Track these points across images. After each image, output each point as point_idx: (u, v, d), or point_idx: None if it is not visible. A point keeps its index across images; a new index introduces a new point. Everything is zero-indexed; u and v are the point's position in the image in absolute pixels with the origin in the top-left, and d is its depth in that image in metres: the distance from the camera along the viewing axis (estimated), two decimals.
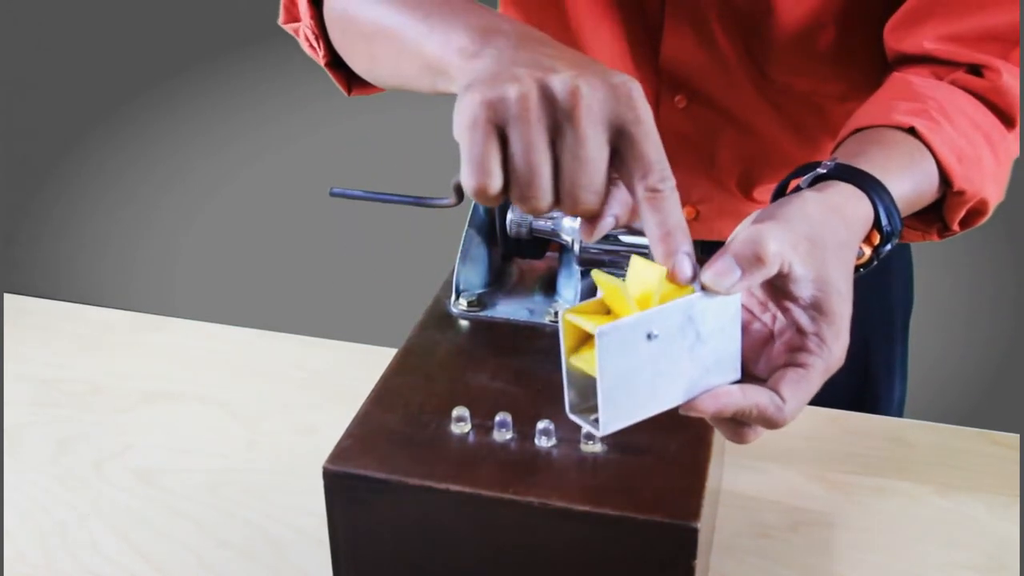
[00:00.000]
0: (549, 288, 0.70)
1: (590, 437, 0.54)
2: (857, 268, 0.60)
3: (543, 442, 0.55)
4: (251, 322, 0.98)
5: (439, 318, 0.67)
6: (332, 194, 0.70)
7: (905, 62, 0.74)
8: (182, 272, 2.37)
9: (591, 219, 0.49)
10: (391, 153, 2.31)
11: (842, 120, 0.71)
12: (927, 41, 0.72)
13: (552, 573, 0.53)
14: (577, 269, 0.66)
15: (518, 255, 0.70)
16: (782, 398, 0.50)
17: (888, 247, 0.60)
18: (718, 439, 0.59)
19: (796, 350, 0.51)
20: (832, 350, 0.52)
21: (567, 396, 0.48)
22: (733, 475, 0.76)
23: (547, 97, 0.47)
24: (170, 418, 0.85)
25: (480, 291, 0.69)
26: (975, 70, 0.71)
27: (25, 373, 0.91)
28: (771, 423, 0.50)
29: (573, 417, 0.48)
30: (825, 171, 0.60)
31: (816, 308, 0.51)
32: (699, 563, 0.51)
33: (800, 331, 0.52)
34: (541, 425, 0.55)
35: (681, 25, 0.82)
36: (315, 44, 0.76)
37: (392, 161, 2.24)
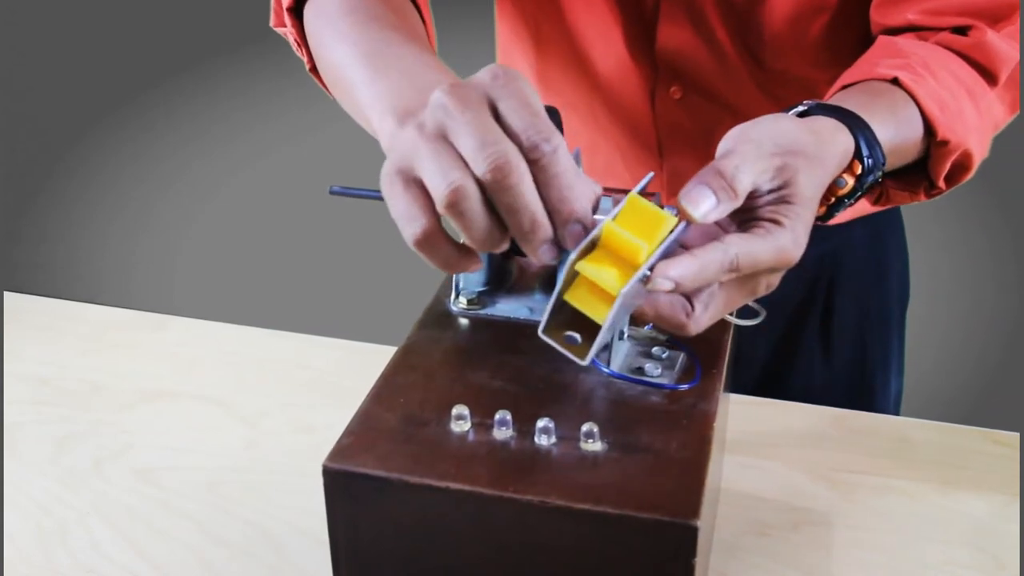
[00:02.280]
0: (549, 286, 0.70)
1: (590, 435, 0.54)
2: (841, 199, 0.62)
3: (543, 440, 0.55)
4: (251, 321, 0.98)
5: (439, 316, 0.67)
6: (332, 192, 0.70)
7: (890, 34, 0.76)
8: (182, 271, 2.37)
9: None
10: None
11: None
12: (911, 14, 0.74)
13: (552, 572, 0.53)
14: None
15: (518, 253, 0.70)
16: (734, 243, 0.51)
17: (872, 179, 0.62)
18: (718, 438, 0.59)
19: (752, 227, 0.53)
20: (784, 232, 0.52)
21: (545, 318, 0.51)
22: (734, 474, 0.76)
23: (431, 125, 0.48)
24: (170, 417, 0.85)
25: (480, 289, 0.69)
26: (959, 31, 0.73)
27: (25, 372, 0.91)
28: (728, 262, 0.50)
29: (544, 337, 0.51)
30: (805, 108, 0.62)
31: (779, 201, 0.53)
32: (699, 562, 0.51)
33: (760, 218, 0.53)
34: (541, 423, 0.55)
35: (677, 14, 0.82)
36: (299, 51, 0.77)
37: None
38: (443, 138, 0.48)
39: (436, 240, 0.49)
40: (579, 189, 0.48)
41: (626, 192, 0.53)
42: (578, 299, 0.50)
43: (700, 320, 0.52)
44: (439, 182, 0.47)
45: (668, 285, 0.49)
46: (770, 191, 0.53)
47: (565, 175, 0.48)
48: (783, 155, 0.53)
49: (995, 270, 2.09)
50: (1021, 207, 1.98)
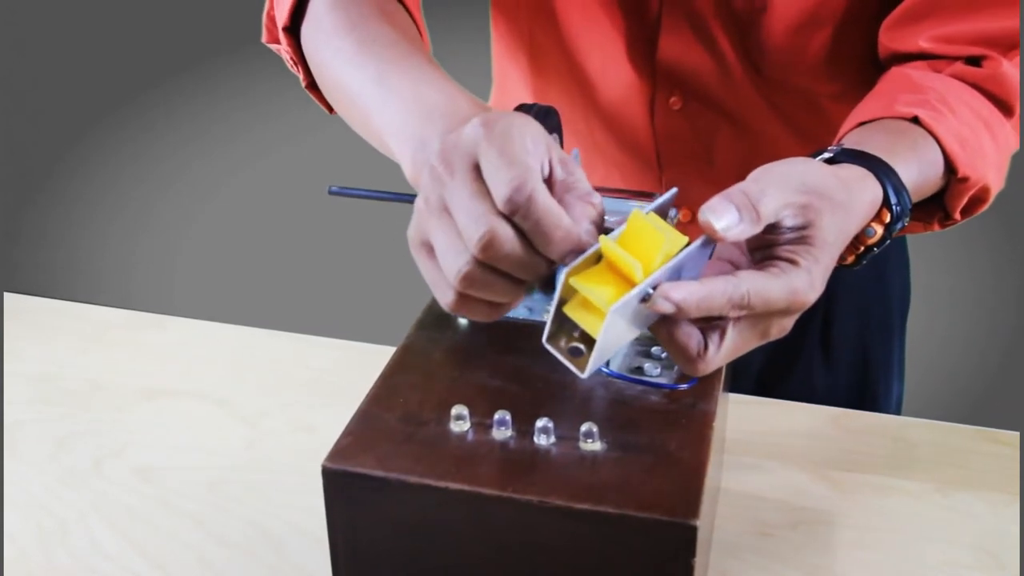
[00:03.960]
0: (548, 286, 0.70)
1: (589, 435, 0.54)
2: (870, 247, 0.61)
3: (542, 440, 0.55)
4: (250, 321, 0.98)
5: (438, 316, 0.67)
6: (331, 192, 0.70)
7: (900, 60, 0.75)
8: (182, 271, 2.37)
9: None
10: None
11: (840, 119, 0.71)
12: (922, 40, 0.73)
13: (552, 571, 0.53)
14: None
15: None
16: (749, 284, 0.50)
17: (900, 225, 0.61)
18: (718, 437, 0.59)
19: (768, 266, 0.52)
20: (800, 273, 0.51)
21: (548, 326, 0.50)
22: (734, 474, 0.76)
23: (434, 199, 0.50)
24: (170, 416, 0.85)
25: None
26: (973, 61, 0.71)
27: (25, 371, 0.91)
28: (735, 298, 0.49)
29: (548, 347, 0.50)
30: (831, 154, 0.61)
31: (799, 241, 0.52)
32: (699, 561, 0.51)
33: (776, 257, 0.52)
34: (540, 423, 0.55)
35: (679, 24, 0.82)
36: (294, 68, 0.77)
37: (392, 160, 2.23)
38: (445, 211, 0.49)
39: (467, 304, 0.51)
40: (563, 228, 0.48)
41: (647, 195, 0.53)
42: (575, 311, 0.49)
43: (711, 360, 0.50)
44: (449, 266, 0.49)
45: (668, 307, 0.47)
46: (791, 229, 0.52)
47: (544, 219, 0.47)
48: (808, 194, 0.52)
49: (996, 271, 2.09)
50: (1019, 211, 1.98)
